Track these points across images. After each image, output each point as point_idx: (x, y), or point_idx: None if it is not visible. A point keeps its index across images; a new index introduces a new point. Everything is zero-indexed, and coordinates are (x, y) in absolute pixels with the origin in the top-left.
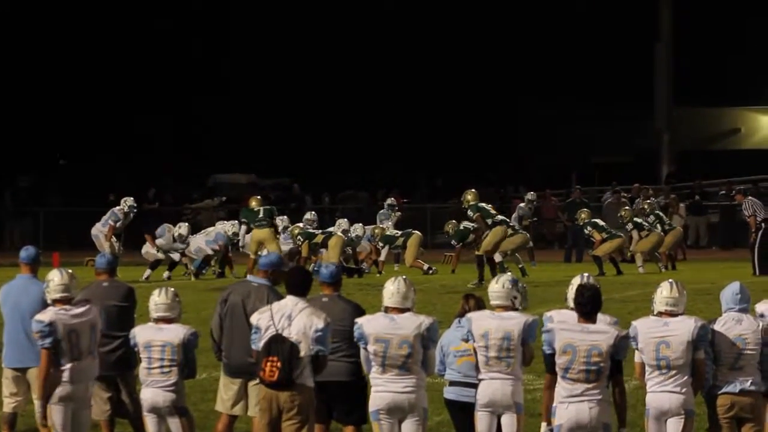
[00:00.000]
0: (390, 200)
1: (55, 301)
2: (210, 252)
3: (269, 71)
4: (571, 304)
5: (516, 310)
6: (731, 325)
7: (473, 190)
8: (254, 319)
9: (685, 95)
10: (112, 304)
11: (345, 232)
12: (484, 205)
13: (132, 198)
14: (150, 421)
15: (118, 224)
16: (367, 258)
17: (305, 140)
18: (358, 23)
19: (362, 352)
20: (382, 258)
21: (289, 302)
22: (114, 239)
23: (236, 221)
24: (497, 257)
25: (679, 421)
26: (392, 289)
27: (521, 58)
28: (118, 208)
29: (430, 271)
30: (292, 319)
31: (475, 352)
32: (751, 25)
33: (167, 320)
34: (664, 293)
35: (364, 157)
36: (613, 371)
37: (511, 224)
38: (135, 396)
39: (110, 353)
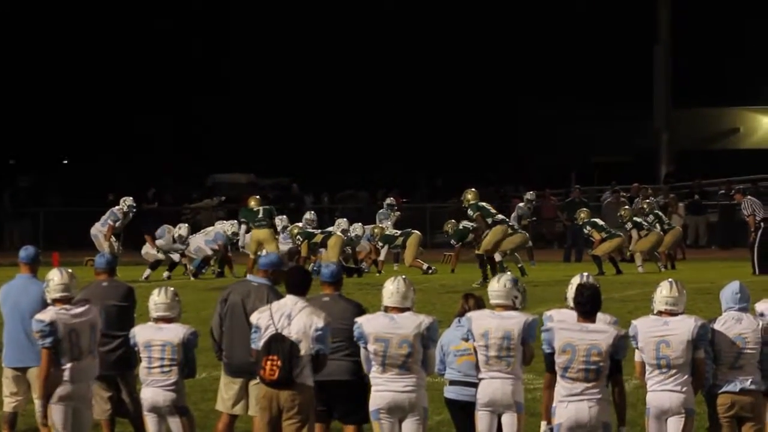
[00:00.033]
0: (389, 200)
1: (55, 301)
2: (209, 252)
3: (269, 71)
4: (571, 303)
5: (516, 309)
6: (731, 324)
7: (473, 189)
8: (254, 318)
9: (684, 95)
10: (111, 303)
11: (344, 231)
12: (484, 204)
13: (131, 198)
14: (150, 421)
15: (117, 224)
16: (366, 257)
17: (304, 140)
18: (358, 23)
19: (362, 351)
20: (381, 257)
21: (289, 301)
22: (113, 239)
23: (236, 221)
24: (497, 257)
25: (680, 420)
26: (392, 289)
27: (521, 58)
28: (117, 207)
29: (430, 271)
30: (292, 318)
31: (475, 352)
32: (749, 26)
33: (167, 320)
34: (663, 293)
35: (364, 157)
36: (613, 371)
37: (510, 224)
38: (135, 395)
39: (110, 353)
